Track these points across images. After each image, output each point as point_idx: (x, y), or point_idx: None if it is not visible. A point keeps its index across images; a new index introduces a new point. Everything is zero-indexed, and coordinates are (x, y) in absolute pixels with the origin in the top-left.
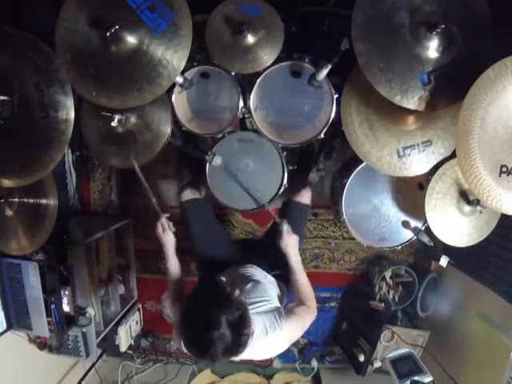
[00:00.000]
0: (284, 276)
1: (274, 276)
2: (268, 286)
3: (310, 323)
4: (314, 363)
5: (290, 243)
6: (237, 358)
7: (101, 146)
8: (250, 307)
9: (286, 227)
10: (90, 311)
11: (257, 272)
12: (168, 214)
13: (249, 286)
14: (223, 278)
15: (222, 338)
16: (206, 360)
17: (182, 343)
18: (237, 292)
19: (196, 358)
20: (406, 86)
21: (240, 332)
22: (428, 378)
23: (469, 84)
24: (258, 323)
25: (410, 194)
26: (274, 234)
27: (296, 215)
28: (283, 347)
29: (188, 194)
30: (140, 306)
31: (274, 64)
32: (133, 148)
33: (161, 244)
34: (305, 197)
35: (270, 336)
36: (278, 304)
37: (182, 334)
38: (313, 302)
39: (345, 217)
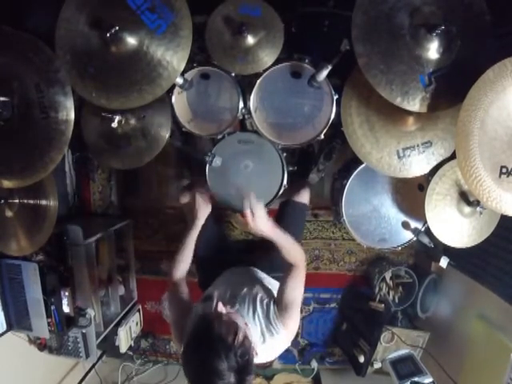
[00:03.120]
0: None
1: (273, 277)
2: (266, 288)
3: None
4: (314, 364)
5: (261, 223)
6: None
7: (101, 147)
8: (246, 313)
9: (251, 202)
10: (90, 312)
11: (255, 273)
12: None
13: (245, 290)
14: (220, 306)
15: None
16: None
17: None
18: (241, 336)
19: None
20: (406, 87)
21: (244, 378)
22: (428, 379)
23: (469, 85)
24: (255, 331)
25: (410, 194)
26: None
27: (295, 215)
28: (283, 347)
29: (188, 196)
30: (140, 306)
31: (274, 65)
32: (125, 150)
33: (191, 218)
34: (303, 197)
35: (268, 341)
36: (273, 304)
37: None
38: (302, 257)
39: (345, 218)
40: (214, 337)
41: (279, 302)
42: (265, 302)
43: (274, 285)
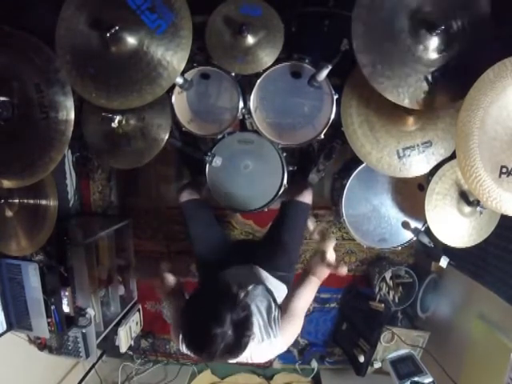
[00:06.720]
0: (285, 277)
1: (275, 277)
2: (269, 289)
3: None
4: (314, 364)
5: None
6: (233, 360)
7: (101, 147)
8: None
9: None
10: (90, 312)
11: (258, 273)
12: (170, 265)
13: (250, 288)
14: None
15: (223, 336)
16: (204, 357)
17: (180, 341)
18: (243, 293)
19: (194, 354)
20: (411, 88)
21: (242, 333)
22: (428, 379)
23: (469, 85)
24: (255, 327)
25: (410, 194)
26: (274, 235)
27: (297, 216)
28: (279, 352)
29: (187, 195)
30: (140, 306)
31: (274, 65)
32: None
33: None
34: (306, 197)
35: (265, 342)
36: (276, 307)
37: (182, 327)
38: (326, 274)
39: (345, 218)
40: (221, 286)
41: (284, 308)
42: (268, 304)
43: (276, 286)
